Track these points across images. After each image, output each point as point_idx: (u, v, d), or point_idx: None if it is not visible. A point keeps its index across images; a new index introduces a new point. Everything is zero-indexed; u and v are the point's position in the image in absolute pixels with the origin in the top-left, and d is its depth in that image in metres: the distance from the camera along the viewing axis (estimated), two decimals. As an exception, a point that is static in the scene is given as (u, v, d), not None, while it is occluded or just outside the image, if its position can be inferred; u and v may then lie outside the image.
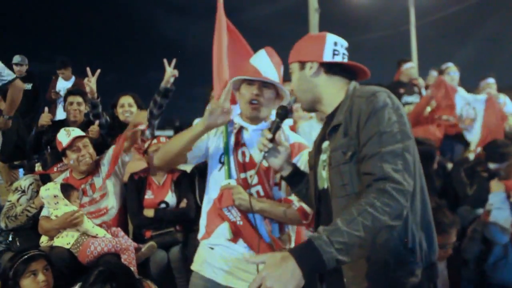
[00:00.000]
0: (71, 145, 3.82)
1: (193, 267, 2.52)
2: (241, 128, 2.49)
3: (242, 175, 2.40)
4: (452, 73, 6.38)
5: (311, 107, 2.04)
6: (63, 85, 7.47)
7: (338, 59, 1.96)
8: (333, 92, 1.95)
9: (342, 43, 1.98)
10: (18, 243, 3.84)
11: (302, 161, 2.44)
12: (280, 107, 2.20)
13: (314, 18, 12.45)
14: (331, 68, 1.96)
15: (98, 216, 3.78)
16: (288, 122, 2.58)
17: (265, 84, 2.41)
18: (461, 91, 5.97)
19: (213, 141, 2.53)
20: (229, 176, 2.40)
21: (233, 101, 2.59)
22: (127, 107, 4.74)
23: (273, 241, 2.36)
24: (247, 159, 2.42)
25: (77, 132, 3.90)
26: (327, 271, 1.91)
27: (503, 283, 3.38)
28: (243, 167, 2.41)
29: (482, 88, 6.57)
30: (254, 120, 2.47)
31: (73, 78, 7.69)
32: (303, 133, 5.51)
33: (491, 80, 6.71)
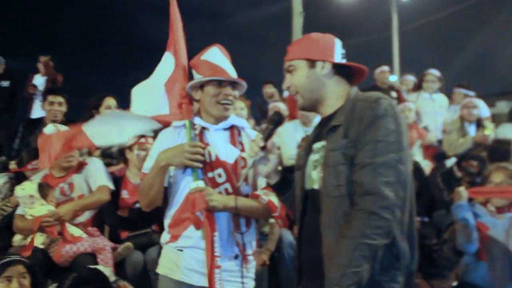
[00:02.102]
0: None
1: (160, 270, 2.48)
2: (202, 129, 2.47)
3: (210, 174, 2.39)
4: (430, 81, 6.48)
5: (312, 107, 2.03)
6: (40, 81, 7.35)
7: (344, 61, 2.00)
8: (336, 95, 1.97)
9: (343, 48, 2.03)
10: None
11: None
12: (275, 113, 2.23)
13: (298, 22, 12.47)
14: (340, 70, 1.99)
15: (74, 216, 3.73)
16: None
17: (234, 85, 2.44)
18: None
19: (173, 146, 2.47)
20: (197, 176, 2.37)
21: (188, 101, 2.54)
22: (114, 109, 4.66)
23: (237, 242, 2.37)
24: (213, 158, 2.40)
25: (65, 128, 3.83)
26: (306, 271, 1.94)
27: (472, 286, 3.43)
28: (210, 166, 2.39)
29: (455, 96, 6.68)
30: (220, 120, 2.47)
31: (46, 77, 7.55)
32: (288, 133, 5.53)
33: (460, 90, 6.80)
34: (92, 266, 3.14)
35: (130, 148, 4.07)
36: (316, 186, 1.91)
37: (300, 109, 2.11)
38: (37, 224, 3.36)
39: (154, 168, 2.37)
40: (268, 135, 2.14)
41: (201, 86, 2.46)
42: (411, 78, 7.58)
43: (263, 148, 2.12)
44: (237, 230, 2.39)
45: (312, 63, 1.97)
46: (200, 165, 2.36)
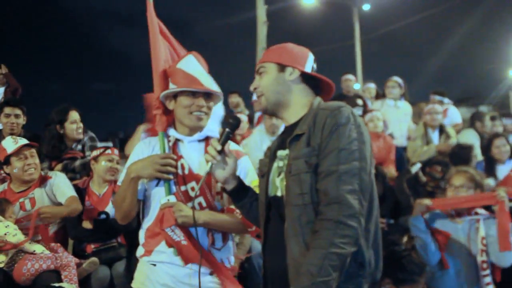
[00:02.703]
0: (18, 152, 3.64)
1: (134, 284, 2.42)
2: (176, 141, 2.43)
3: (183, 188, 2.34)
4: (390, 86, 6.61)
5: (275, 110, 2.04)
6: None
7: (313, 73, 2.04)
8: (301, 103, 1.99)
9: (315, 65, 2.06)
10: None
11: (241, 167, 2.40)
12: (232, 117, 2.20)
13: (262, 31, 12.56)
14: (308, 80, 2.02)
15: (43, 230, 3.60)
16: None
17: (207, 95, 2.39)
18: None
19: None
20: (169, 190, 2.32)
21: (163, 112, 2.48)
22: (80, 123, 4.54)
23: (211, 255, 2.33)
24: (186, 171, 2.35)
25: (25, 141, 3.74)
26: (271, 279, 1.93)
27: None
28: (183, 179, 2.34)
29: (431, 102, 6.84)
30: (194, 130, 2.42)
31: (5, 86, 7.30)
32: (254, 143, 5.52)
33: (436, 97, 6.98)
34: (57, 284, 3.03)
35: (95, 159, 4.00)
36: (279, 193, 1.92)
37: (263, 112, 2.11)
38: None
39: (125, 180, 2.32)
40: (225, 139, 2.11)
41: (175, 96, 2.41)
42: (372, 86, 7.71)
43: (220, 152, 2.09)
44: (213, 246, 2.34)
45: (282, 67, 2.00)
46: (171, 177, 2.31)
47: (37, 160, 3.76)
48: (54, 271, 3.31)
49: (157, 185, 2.36)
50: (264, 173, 2.04)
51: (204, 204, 2.35)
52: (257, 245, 3.98)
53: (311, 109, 1.94)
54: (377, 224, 1.84)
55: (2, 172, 3.95)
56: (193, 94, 2.37)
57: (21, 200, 3.67)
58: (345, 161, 1.72)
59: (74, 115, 4.53)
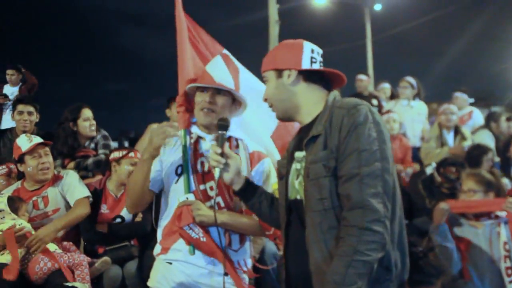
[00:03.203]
0: (32, 151, 3.62)
1: (150, 283, 2.41)
2: (198, 138, 2.41)
3: (202, 187, 2.32)
4: (402, 87, 6.55)
5: (288, 117, 2.00)
6: (10, 90, 7.13)
7: (316, 66, 1.93)
8: (312, 101, 1.92)
9: (318, 50, 1.96)
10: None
11: (263, 170, 2.40)
12: (220, 119, 2.19)
13: (274, 30, 12.57)
14: (310, 76, 1.93)
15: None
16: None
17: (218, 91, 2.35)
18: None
19: (168, 154, 2.42)
20: (188, 188, 2.31)
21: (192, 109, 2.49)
22: (92, 121, 4.53)
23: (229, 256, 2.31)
24: (206, 169, 2.34)
25: (39, 139, 3.71)
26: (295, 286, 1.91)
27: None
28: (202, 178, 2.32)
29: (453, 101, 6.76)
30: (209, 128, 2.39)
31: (20, 84, 7.36)
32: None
33: (461, 94, 6.90)
34: (69, 284, 3.02)
35: (117, 161, 3.92)
36: (299, 197, 1.87)
37: (279, 120, 2.07)
38: (11, 240, 3.20)
39: (139, 164, 2.36)
40: (222, 141, 2.10)
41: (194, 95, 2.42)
42: (387, 86, 7.64)
43: (222, 155, 2.07)
44: (230, 247, 2.32)
45: (279, 73, 1.94)
46: (178, 133, 2.30)
47: (51, 159, 3.75)
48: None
49: (176, 182, 2.35)
50: (283, 175, 1.99)
51: (222, 204, 2.33)
52: (271, 246, 3.94)
53: (326, 106, 1.86)
54: (401, 224, 1.78)
55: (4, 166, 3.95)
56: (202, 90, 2.36)
57: (34, 198, 3.65)
58: (366, 162, 1.66)
59: (87, 112, 4.52)
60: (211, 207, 2.23)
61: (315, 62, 1.93)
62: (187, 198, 2.27)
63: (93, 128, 4.53)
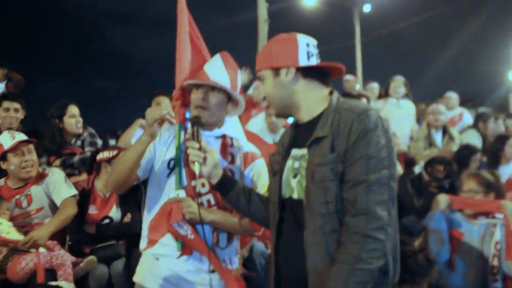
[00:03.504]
0: (15, 148, 3.54)
1: (136, 278, 2.39)
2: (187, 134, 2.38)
3: (193, 183, 2.30)
4: (397, 86, 6.54)
5: (286, 114, 1.98)
6: None
7: (313, 61, 1.89)
8: (313, 100, 1.88)
9: (313, 42, 1.92)
10: None
11: (256, 171, 2.39)
12: (196, 116, 2.21)
13: (263, 29, 12.56)
14: (309, 72, 1.88)
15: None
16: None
17: (213, 89, 2.33)
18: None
19: (161, 147, 2.40)
20: (180, 183, 2.29)
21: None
22: (78, 118, 4.47)
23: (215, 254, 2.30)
24: None
25: (22, 136, 3.64)
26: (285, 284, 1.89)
27: None
28: (195, 174, 2.27)
29: (443, 102, 6.78)
30: (210, 126, 2.37)
31: (5, 81, 7.24)
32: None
33: (452, 94, 6.93)
34: (54, 283, 2.96)
35: (108, 161, 3.82)
36: (295, 196, 1.85)
37: (276, 117, 2.03)
38: None
39: (135, 143, 2.32)
40: (197, 136, 2.12)
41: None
42: (375, 86, 7.64)
43: (200, 149, 2.07)
44: (217, 245, 2.31)
45: (276, 71, 1.89)
46: (173, 118, 2.29)
47: (34, 157, 3.68)
48: (49, 269, 3.24)
49: (167, 176, 2.33)
50: (276, 171, 1.95)
51: (212, 202, 2.32)
52: (259, 245, 3.91)
53: (329, 106, 1.82)
54: (396, 227, 1.77)
55: None
56: (196, 87, 2.34)
57: (17, 197, 3.59)
58: (374, 169, 1.66)
59: (73, 109, 4.47)
60: (199, 204, 2.21)
61: (312, 56, 1.88)
62: (178, 195, 2.25)
63: (80, 125, 4.47)
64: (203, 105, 2.31)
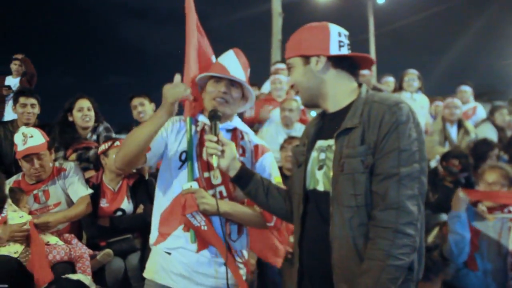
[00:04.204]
0: (25, 155, 3.57)
1: (147, 274, 2.37)
2: (204, 126, 2.38)
3: (206, 175, 2.30)
4: (411, 79, 6.49)
5: (313, 104, 1.95)
6: (12, 82, 7.11)
7: (344, 51, 1.87)
8: (342, 91, 1.87)
9: (345, 32, 1.91)
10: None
11: (266, 163, 2.40)
12: (214, 110, 2.20)
13: (277, 22, 12.49)
14: (340, 62, 1.87)
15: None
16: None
17: (232, 83, 2.34)
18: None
19: (173, 138, 2.39)
20: (192, 175, 2.29)
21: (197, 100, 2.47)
22: (86, 111, 4.49)
23: (229, 245, 2.30)
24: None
25: (34, 141, 3.60)
26: (310, 278, 1.88)
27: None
28: (207, 166, 2.30)
29: (457, 95, 6.71)
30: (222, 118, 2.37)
31: (20, 77, 7.33)
32: (270, 136, 5.46)
33: (466, 88, 6.86)
34: (74, 277, 3.00)
35: (105, 153, 3.89)
36: (320, 188, 1.83)
37: (304, 107, 2.02)
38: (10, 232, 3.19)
39: (151, 118, 2.28)
40: (215, 129, 2.12)
41: (205, 84, 2.40)
42: (390, 79, 7.59)
43: (217, 142, 2.08)
44: (228, 237, 2.30)
45: (306, 59, 1.87)
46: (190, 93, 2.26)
47: (46, 161, 3.66)
48: (67, 262, 3.29)
49: (179, 168, 2.33)
50: (300, 163, 1.94)
51: (224, 194, 2.32)
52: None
53: (358, 98, 1.80)
54: (422, 223, 1.72)
55: None
56: (217, 81, 2.34)
57: (35, 192, 3.64)
58: (405, 163, 1.63)
59: (81, 103, 4.50)
60: (214, 195, 2.22)
61: (343, 46, 1.87)
62: (191, 186, 2.25)
63: (87, 119, 4.48)
64: (226, 98, 2.31)
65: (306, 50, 1.87)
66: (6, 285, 1.86)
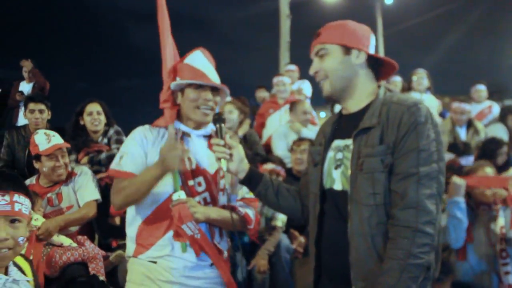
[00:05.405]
0: (51, 152, 3.62)
1: (129, 287, 2.30)
2: (183, 134, 2.36)
3: (190, 183, 2.29)
4: (420, 78, 6.48)
5: (338, 98, 1.93)
6: (26, 88, 7.22)
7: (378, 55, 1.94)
8: (366, 89, 1.90)
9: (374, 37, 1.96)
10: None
11: None
12: (218, 114, 2.19)
13: (285, 24, 12.50)
14: (374, 63, 1.92)
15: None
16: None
17: (213, 88, 2.33)
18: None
19: (152, 151, 2.31)
20: (177, 184, 2.24)
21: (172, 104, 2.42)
22: (96, 115, 4.54)
23: (218, 247, 2.33)
24: (193, 166, 2.30)
25: (57, 139, 3.70)
26: (328, 277, 1.89)
27: (459, 283, 3.39)
28: (191, 174, 2.29)
29: (472, 94, 6.69)
30: (200, 125, 2.37)
31: (33, 83, 7.44)
32: (278, 137, 5.49)
33: (481, 87, 6.83)
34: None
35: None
36: (337, 187, 1.85)
37: (326, 98, 1.96)
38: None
39: (151, 170, 2.18)
40: (221, 133, 2.11)
41: (182, 90, 2.35)
42: (398, 79, 7.60)
43: (224, 146, 2.08)
44: (213, 240, 2.33)
45: (347, 49, 1.88)
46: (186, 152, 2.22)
47: (67, 159, 3.75)
48: (81, 263, 3.33)
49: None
50: (317, 162, 1.96)
51: (208, 200, 2.33)
52: (285, 240, 3.95)
53: (376, 99, 1.83)
54: (440, 225, 1.76)
55: None
56: (199, 87, 2.31)
57: (48, 195, 3.68)
58: (424, 163, 1.66)
59: (91, 107, 4.56)
60: (199, 202, 2.24)
61: (373, 49, 1.93)
62: (179, 196, 2.21)
63: (96, 123, 4.53)
64: (211, 105, 2.31)
65: (349, 42, 1.88)
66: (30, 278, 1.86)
